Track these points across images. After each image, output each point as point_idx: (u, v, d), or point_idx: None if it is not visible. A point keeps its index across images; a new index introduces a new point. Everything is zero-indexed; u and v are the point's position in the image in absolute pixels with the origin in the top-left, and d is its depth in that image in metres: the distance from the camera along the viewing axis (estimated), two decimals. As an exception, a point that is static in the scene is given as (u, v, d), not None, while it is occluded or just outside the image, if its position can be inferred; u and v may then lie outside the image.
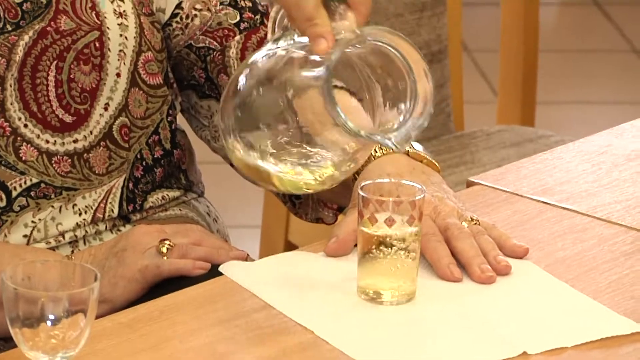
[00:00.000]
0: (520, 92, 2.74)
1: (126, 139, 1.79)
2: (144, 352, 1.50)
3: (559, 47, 4.78)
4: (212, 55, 1.85)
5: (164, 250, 1.72)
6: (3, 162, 1.76)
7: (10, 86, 1.76)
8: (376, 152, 1.68)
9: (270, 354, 1.53)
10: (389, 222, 1.53)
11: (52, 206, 1.73)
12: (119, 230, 1.77)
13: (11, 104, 1.76)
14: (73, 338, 1.32)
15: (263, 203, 2.54)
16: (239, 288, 1.64)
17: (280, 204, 2.36)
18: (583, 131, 2.12)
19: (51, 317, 1.31)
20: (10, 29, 1.75)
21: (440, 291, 1.62)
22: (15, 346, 1.42)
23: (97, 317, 1.42)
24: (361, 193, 1.53)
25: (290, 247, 2.64)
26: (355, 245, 1.63)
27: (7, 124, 1.75)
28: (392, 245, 1.53)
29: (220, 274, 1.68)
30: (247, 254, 1.77)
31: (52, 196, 1.76)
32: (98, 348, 1.45)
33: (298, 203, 1.86)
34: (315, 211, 1.86)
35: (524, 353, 1.52)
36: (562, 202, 1.81)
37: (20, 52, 1.75)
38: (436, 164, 1.71)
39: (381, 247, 1.54)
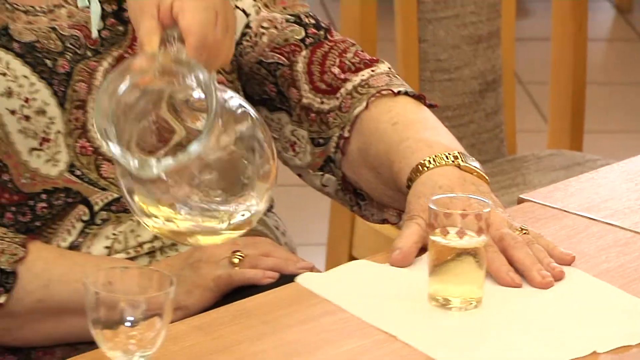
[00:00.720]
0: (569, 121, 2.73)
1: None
2: (216, 354, 1.50)
3: (606, 80, 4.79)
4: (281, 70, 1.84)
5: (236, 261, 1.72)
6: (86, 179, 1.76)
7: (92, 109, 1.76)
8: (430, 163, 1.67)
9: (339, 353, 1.52)
10: (460, 233, 1.53)
11: (132, 219, 1.73)
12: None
13: (92, 125, 1.76)
14: (150, 339, 1.33)
15: (329, 221, 2.53)
16: (307, 295, 1.64)
17: (344, 222, 2.36)
18: (627, 156, 2.11)
19: (130, 319, 1.31)
20: (90, 55, 1.76)
21: (503, 297, 1.62)
22: (83, 351, 1.45)
23: (173, 322, 1.43)
24: (432, 207, 1.52)
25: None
26: (417, 256, 1.63)
27: (89, 143, 1.76)
28: (462, 255, 1.54)
29: (288, 282, 1.67)
30: (313, 265, 1.77)
31: None
32: (173, 350, 1.45)
33: (364, 205, 1.84)
34: (380, 212, 1.85)
35: (594, 352, 1.52)
36: (606, 218, 1.80)
37: (99, 77, 1.76)
38: (485, 176, 1.70)
39: (452, 257, 1.54)
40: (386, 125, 1.75)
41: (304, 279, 1.65)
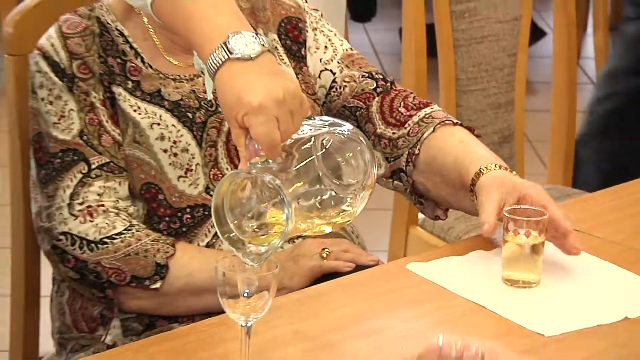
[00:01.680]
0: (562, 167, 2.74)
1: None
2: (308, 319, 1.49)
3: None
4: (360, 111, 1.83)
5: (324, 255, 1.71)
6: None
7: (220, 147, 1.76)
8: (486, 169, 1.68)
9: (412, 315, 1.51)
10: (527, 234, 1.54)
11: None
12: (294, 241, 1.75)
13: (221, 159, 1.76)
14: (260, 306, 1.32)
15: (390, 232, 2.55)
16: (382, 276, 1.65)
17: (402, 231, 2.35)
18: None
19: (247, 292, 1.31)
20: (220, 110, 1.75)
21: (555, 280, 1.61)
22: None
23: (278, 296, 1.42)
24: (507, 215, 1.55)
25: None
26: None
27: (219, 172, 1.75)
28: (526, 249, 1.56)
29: (361, 269, 1.68)
30: (379, 259, 1.75)
31: None
32: (277, 315, 1.44)
33: (426, 203, 1.82)
34: (434, 210, 1.82)
35: (625, 318, 1.51)
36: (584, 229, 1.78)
37: (226, 124, 1.74)
38: (516, 174, 1.72)
39: (521, 251, 1.56)
40: (455, 143, 1.75)
41: (412, 266, 1.64)
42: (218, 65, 1.37)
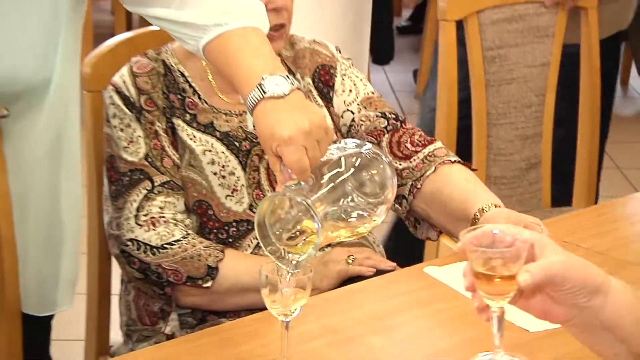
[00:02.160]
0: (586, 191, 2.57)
1: None
2: (335, 316, 1.49)
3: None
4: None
5: (350, 261, 1.69)
6: None
7: (262, 171, 1.75)
8: (488, 208, 1.65)
9: (425, 313, 1.51)
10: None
11: None
12: (324, 249, 1.73)
13: (263, 181, 1.75)
14: (296, 304, 1.30)
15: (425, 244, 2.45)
16: (400, 279, 1.64)
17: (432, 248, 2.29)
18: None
19: (285, 290, 1.30)
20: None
21: None
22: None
23: (312, 295, 1.40)
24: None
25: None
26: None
27: (262, 192, 1.75)
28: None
29: (381, 274, 1.67)
30: (396, 264, 1.73)
31: None
32: (309, 312, 1.41)
33: (419, 226, 1.80)
34: (428, 232, 1.80)
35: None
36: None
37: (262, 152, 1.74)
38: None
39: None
40: (460, 180, 1.73)
41: (429, 269, 1.62)
42: (255, 103, 1.37)
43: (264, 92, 1.36)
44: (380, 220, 1.38)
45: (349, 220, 1.35)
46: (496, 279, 1.07)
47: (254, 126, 1.40)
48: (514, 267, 1.07)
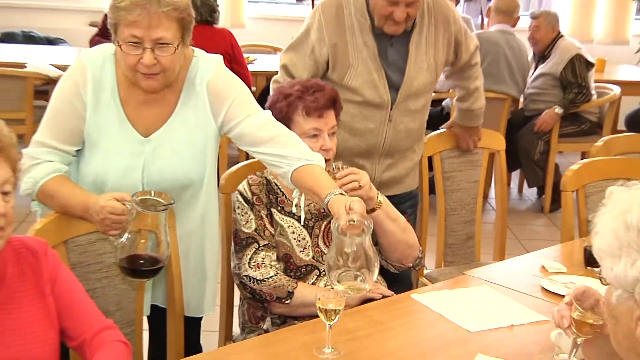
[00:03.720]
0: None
1: None
2: (357, 320, 1.41)
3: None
4: None
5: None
6: (318, 261, 1.67)
7: (320, 237, 1.67)
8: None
9: (410, 320, 1.37)
10: None
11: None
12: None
13: (321, 244, 1.66)
14: (335, 315, 1.27)
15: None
16: (394, 300, 1.52)
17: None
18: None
19: (328, 307, 1.27)
20: (318, 218, 1.67)
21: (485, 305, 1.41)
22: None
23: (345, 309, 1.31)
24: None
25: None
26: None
27: (320, 250, 1.66)
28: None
29: (385, 297, 1.57)
30: (393, 293, 1.63)
31: None
32: (345, 319, 1.38)
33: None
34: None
35: (511, 325, 1.36)
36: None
37: (323, 226, 1.70)
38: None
39: None
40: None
41: (414, 295, 1.48)
42: (330, 198, 1.42)
43: (334, 194, 1.42)
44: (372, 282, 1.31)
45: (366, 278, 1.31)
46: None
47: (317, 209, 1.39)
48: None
